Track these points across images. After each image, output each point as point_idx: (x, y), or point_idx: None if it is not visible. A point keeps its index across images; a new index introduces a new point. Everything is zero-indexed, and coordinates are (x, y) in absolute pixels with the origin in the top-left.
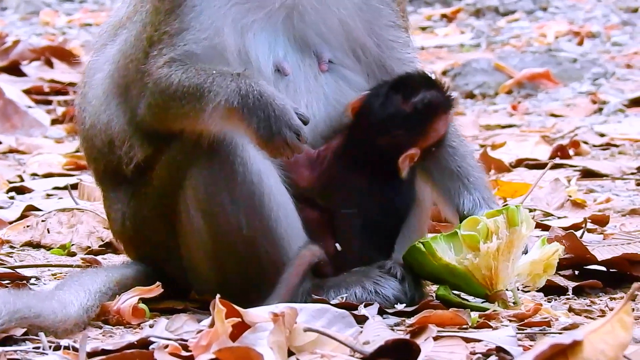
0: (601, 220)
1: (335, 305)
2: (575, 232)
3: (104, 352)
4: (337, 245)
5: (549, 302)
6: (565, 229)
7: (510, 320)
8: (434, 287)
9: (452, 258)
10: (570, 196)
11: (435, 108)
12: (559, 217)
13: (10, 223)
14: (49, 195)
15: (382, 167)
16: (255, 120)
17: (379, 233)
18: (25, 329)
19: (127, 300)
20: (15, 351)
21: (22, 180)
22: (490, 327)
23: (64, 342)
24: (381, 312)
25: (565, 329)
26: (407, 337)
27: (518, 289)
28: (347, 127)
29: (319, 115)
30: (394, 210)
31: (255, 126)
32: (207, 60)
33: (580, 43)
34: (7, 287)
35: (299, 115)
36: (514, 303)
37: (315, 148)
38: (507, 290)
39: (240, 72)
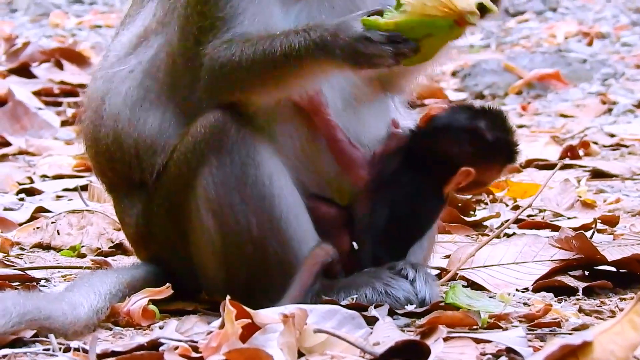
0: (611, 221)
1: (345, 307)
2: (585, 233)
3: (114, 353)
4: (354, 243)
5: (559, 302)
6: (575, 229)
7: (520, 321)
8: (445, 288)
9: (398, 15)
10: (580, 196)
11: (508, 153)
12: (568, 218)
13: (20, 225)
14: (58, 196)
15: (434, 177)
16: (334, 51)
17: (403, 238)
18: (35, 331)
19: (137, 302)
20: (25, 353)
21: (32, 181)
22: (500, 327)
23: (73, 344)
24: (391, 313)
25: (575, 329)
26: (417, 338)
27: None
28: (411, 132)
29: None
30: (425, 220)
31: (339, 58)
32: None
33: (590, 44)
34: (17, 288)
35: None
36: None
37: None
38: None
39: (297, 29)
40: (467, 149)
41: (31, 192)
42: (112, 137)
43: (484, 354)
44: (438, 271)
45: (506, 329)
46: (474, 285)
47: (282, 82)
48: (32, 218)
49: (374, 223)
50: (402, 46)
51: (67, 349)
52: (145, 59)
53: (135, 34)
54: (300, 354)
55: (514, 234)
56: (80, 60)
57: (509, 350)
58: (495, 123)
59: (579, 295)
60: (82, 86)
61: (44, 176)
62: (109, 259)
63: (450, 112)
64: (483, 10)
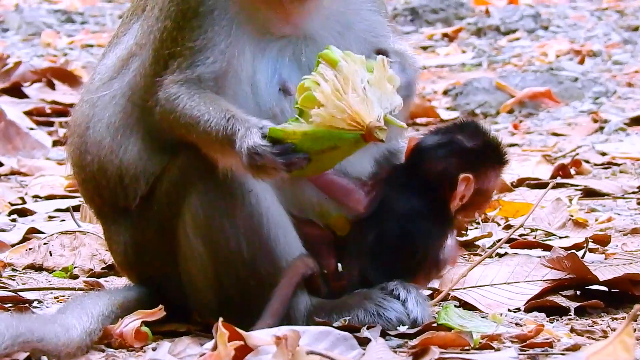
0: (603, 240)
1: (337, 328)
2: (577, 252)
3: None
4: (340, 265)
5: (551, 322)
6: (566, 249)
7: (513, 342)
8: (437, 308)
9: (306, 125)
10: (571, 216)
11: (495, 154)
12: (560, 237)
13: (13, 246)
14: (51, 217)
15: (436, 202)
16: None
17: (400, 260)
18: (28, 353)
19: (130, 324)
20: None
21: (24, 202)
22: (492, 348)
23: None
24: (384, 334)
25: (567, 349)
26: (410, 359)
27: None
28: (401, 165)
29: None
30: (429, 245)
31: (241, 162)
32: (221, 79)
33: (582, 62)
34: (10, 310)
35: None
36: (387, 124)
37: None
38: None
39: (233, 114)
40: (452, 160)
41: (23, 212)
42: (97, 165)
43: None
44: (430, 291)
45: (498, 350)
46: (465, 306)
47: (205, 150)
48: (25, 239)
49: (371, 251)
50: (293, 157)
51: None
52: (124, 83)
53: (118, 57)
54: None
55: (505, 253)
56: (71, 80)
57: None
58: (470, 131)
59: (570, 315)
60: (74, 106)
61: (36, 197)
62: (101, 280)
63: (427, 136)
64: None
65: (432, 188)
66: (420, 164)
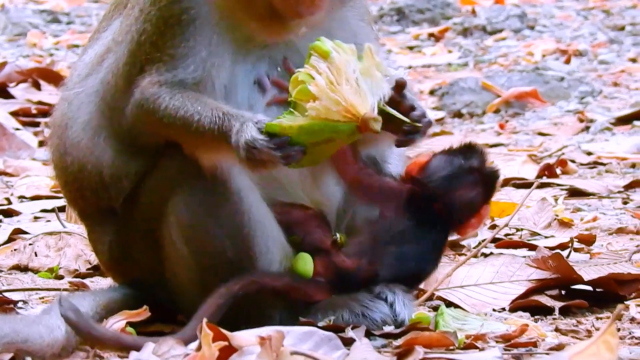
0: (588, 240)
1: (322, 328)
2: (562, 252)
3: None
4: (337, 235)
5: (536, 322)
6: (552, 248)
7: (497, 341)
8: (421, 309)
9: (301, 118)
10: (557, 215)
11: (493, 181)
12: (545, 237)
13: None
14: (36, 218)
15: (444, 223)
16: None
17: (408, 277)
18: (12, 354)
19: (115, 324)
20: None
21: (10, 202)
22: (477, 348)
23: None
24: (368, 334)
25: (551, 349)
26: (394, 359)
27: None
28: (412, 183)
29: None
30: (433, 261)
31: (238, 157)
32: (201, 84)
33: (568, 61)
34: None
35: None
36: (382, 114)
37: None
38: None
39: (224, 110)
40: (479, 189)
41: (9, 213)
42: (77, 166)
43: None
44: (415, 291)
45: (482, 350)
46: (449, 306)
47: (193, 149)
48: (10, 240)
49: (386, 258)
50: (290, 150)
51: None
52: (97, 81)
53: (96, 53)
54: None
55: (491, 253)
56: (57, 80)
57: None
58: (480, 157)
59: (555, 314)
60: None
61: (21, 197)
62: (86, 281)
63: (443, 161)
64: (382, 113)
65: (444, 214)
66: (443, 190)
